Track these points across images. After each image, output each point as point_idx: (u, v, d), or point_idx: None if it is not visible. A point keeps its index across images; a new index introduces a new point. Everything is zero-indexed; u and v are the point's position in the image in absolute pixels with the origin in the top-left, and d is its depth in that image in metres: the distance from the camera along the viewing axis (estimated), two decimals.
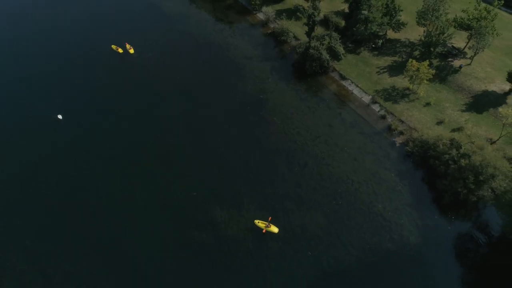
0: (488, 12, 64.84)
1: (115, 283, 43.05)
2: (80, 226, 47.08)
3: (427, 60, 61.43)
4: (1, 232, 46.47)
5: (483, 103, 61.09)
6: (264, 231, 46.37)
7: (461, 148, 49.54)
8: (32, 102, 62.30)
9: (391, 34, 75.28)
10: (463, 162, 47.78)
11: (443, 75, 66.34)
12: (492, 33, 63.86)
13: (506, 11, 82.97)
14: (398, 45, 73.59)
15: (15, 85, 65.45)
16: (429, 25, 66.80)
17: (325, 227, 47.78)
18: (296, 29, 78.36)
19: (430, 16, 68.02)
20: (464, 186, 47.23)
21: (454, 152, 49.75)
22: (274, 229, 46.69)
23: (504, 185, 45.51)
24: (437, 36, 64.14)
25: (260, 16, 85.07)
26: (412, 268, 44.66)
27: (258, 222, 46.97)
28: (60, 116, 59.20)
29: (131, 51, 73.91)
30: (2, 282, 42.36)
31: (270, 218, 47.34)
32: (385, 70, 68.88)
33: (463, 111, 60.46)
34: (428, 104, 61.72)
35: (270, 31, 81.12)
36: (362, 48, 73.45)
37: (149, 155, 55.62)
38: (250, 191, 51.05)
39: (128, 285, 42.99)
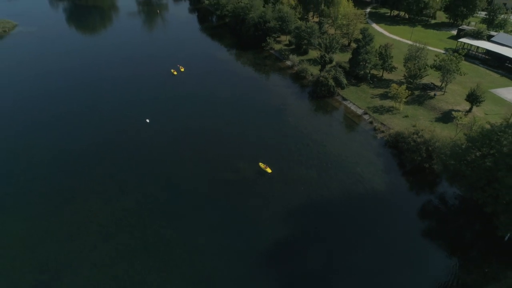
0: (456, 57, 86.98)
1: (164, 197, 62.55)
2: (148, 168, 68.44)
3: (405, 85, 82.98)
4: (99, 164, 69.00)
5: (448, 117, 79.92)
6: (269, 171, 66.07)
7: (419, 132, 68.22)
8: (130, 111, 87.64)
9: (386, 75, 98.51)
10: (419, 140, 66.22)
11: (421, 100, 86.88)
12: (458, 71, 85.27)
13: (484, 67, 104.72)
14: (390, 82, 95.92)
15: (116, 100, 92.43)
16: (410, 64, 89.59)
17: (316, 177, 66.08)
18: (313, 70, 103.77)
19: (413, 60, 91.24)
20: (419, 155, 65.04)
21: (415, 136, 68.39)
22: (269, 170, 66.55)
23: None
24: (415, 70, 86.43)
25: (288, 62, 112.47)
26: (376, 206, 60.87)
27: (261, 164, 67.29)
28: (148, 120, 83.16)
29: (182, 69, 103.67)
30: (91, 187, 63.41)
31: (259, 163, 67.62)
32: (377, 96, 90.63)
33: (432, 121, 79.43)
34: (406, 116, 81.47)
35: (294, 71, 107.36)
36: (362, 83, 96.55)
37: (198, 131, 78.46)
38: (264, 155, 70.99)
39: (173, 201, 62.22)
